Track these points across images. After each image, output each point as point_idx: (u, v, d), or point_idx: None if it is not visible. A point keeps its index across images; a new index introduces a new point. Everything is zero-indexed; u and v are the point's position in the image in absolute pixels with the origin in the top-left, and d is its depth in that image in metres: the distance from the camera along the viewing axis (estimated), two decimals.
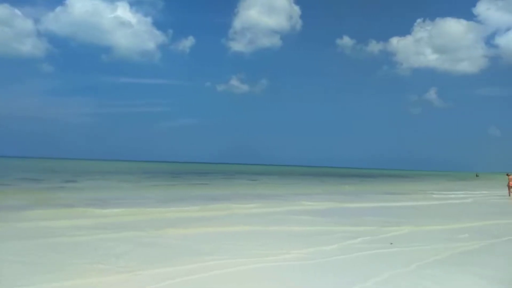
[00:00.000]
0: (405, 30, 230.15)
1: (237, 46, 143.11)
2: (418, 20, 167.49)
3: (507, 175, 21.88)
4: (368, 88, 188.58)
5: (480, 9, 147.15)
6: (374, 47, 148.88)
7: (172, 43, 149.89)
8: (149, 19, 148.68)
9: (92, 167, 57.67)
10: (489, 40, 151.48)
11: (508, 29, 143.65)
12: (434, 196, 21.95)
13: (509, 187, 21.42)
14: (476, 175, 76.86)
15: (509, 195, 20.89)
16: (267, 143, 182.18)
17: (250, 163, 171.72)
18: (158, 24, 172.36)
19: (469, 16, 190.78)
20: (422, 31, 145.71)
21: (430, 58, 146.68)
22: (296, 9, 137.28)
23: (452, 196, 22.29)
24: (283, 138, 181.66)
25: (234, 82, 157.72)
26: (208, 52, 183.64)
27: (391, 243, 6.87)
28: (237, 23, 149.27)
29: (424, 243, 7.05)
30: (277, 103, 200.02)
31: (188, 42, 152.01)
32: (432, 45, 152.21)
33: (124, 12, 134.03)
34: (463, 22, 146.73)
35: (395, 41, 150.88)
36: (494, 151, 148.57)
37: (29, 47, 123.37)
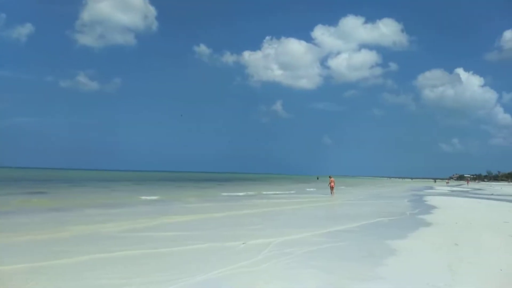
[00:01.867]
0: (255, 45, 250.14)
1: (85, 39, 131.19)
2: (267, 37, 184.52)
3: (330, 177, 27.02)
4: (224, 96, 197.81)
5: (317, 33, 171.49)
6: (229, 58, 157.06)
7: (5, 29, 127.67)
8: None
9: None
10: (323, 62, 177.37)
11: (338, 53, 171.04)
12: (264, 193, 24.80)
13: (331, 187, 26.25)
14: (317, 178, 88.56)
15: (331, 194, 25.65)
16: (120, 145, 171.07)
17: (100, 169, 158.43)
18: None
19: (308, 38, 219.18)
20: (270, 48, 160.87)
21: (276, 73, 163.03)
22: (152, 10, 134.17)
23: (273, 195, 25.64)
24: (138, 141, 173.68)
25: (82, 78, 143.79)
26: (49, 43, 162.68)
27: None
28: (85, 15, 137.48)
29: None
30: (131, 103, 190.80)
31: (24, 30, 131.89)
32: (278, 62, 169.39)
33: None
34: (303, 43, 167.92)
35: (247, 55, 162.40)
36: (329, 157, 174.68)
37: None
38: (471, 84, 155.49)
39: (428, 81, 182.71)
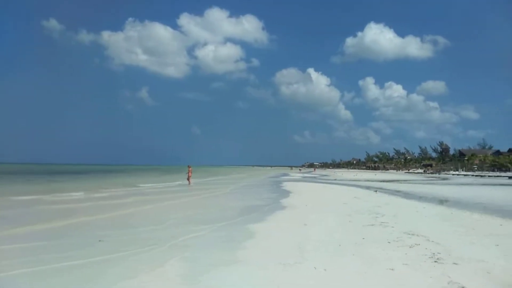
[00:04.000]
0: (116, 25, 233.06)
1: None
2: (130, 19, 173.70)
3: (188, 167, 27.33)
4: (80, 79, 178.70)
5: (183, 22, 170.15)
6: (85, 37, 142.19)
7: None
8: None
9: None
10: (190, 51, 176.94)
11: (205, 44, 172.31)
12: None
13: (188, 176, 26.64)
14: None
15: (189, 184, 26.00)
16: None
17: None
18: None
19: (174, 25, 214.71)
20: (133, 30, 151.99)
21: (141, 58, 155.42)
22: None
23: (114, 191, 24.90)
24: None
25: None
26: None
27: None
28: None
29: None
30: None
31: None
32: (142, 46, 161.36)
33: None
34: (170, 30, 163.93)
35: (106, 35, 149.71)
36: (198, 147, 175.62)
37: None
38: (319, 83, 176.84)
39: (285, 78, 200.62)
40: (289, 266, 5.15)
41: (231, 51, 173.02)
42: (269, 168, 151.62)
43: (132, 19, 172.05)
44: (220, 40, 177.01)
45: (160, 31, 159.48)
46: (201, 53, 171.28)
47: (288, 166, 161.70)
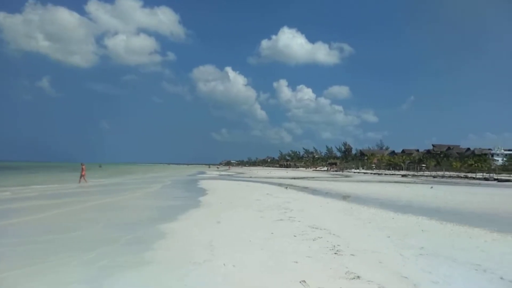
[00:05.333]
0: (13, 7, 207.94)
1: None
2: (30, 1, 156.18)
3: (82, 164, 25.75)
4: None
5: (92, 8, 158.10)
6: None
7: None
8: None
9: None
10: (99, 40, 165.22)
11: (116, 33, 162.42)
12: None
13: (81, 175, 25.02)
14: (100, 166, 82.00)
15: (81, 181, 24.41)
16: None
17: None
18: None
19: (81, 11, 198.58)
20: (33, 13, 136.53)
21: (41, 44, 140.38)
22: None
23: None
24: None
25: None
26: None
27: None
28: None
29: None
30: None
31: None
32: (44, 31, 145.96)
33: None
34: (76, 15, 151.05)
35: (1, 17, 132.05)
36: (108, 143, 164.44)
37: None
38: (237, 82, 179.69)
39: (202, 75, 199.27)
40: (198, 265, 5.12)
41: (145, 42, 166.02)
42: (185, 166, 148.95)
43: (33, 1, 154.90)
44: (132, 30, 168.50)
45: (65, 16, 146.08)
46: (111, 42, 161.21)
47: (206, 164, 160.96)
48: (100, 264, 5.23)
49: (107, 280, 4.53)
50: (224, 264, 5.11)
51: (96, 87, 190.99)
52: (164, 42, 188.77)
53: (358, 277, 4.63)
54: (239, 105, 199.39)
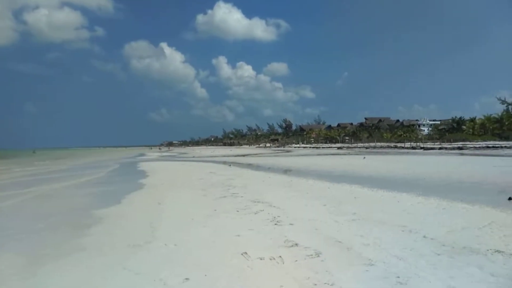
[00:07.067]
0: None
1: None
2: None
3: None
4: None
5: None
6: None
7: None
8: None
9: None
10: (17, 15, 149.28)
11: (36, 7, 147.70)
12: None
13: None
14: (33, 152, 76.88)
15: None
16: None
17: None
18: None
19: None
20: None
21: None
22: None
23: None
24: None
25: None
26: None
27: None
28: None
29: None
30: None
31: None
32: None
33: None
34: None
35: None
36: (35, 127, 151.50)
37: None
38: (174, 59, 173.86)
39: (135, 52, 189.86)
40: (138, 247, 5.03)
41: (70, 17, 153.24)
42: (123, 148, 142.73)
43: None
44: (54, 4, 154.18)
45: None
46: (31, 17, 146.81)
47: (146, 146, 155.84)
48: (32, 253, 4.92)
49: (41, 269, 4.29)
50: (165, 244, 5.07)
51: (18, 67, 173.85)
52: (91, 16, 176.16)
53: (296, 244, 4.86)
54: (178, 83, 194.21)
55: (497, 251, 4.35)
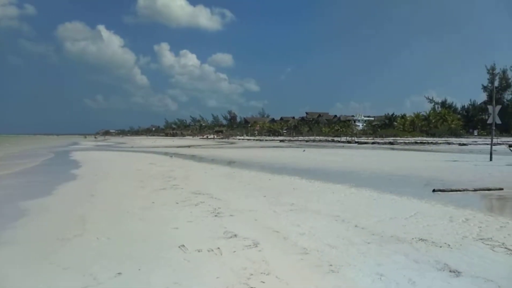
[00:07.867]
0: None
1: None
2: None
3: None
4: None
5: None
6: None
7: None
8: None
9: None
10: None
11: None
12: None
13: None
14: None
15: None
16: None
17: None
18: None
19: None
20: None
21: None
22: None
23: None
24: None
25: None
26: None
27: None
28: None
29: None
30: None
31: None
32: None
33: None
34: None
35: None
36: None
37: None
38: (112, 43, 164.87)
39: (70, 33, 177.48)
40: (67, 241, 4.71)
41: None
42: (55, 136, 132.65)
43: None
44: None
45: None
46: None
47: (80, 134, 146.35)
48: None
49: None
50: (97, 238, 4.81)
51: None
52: None
53: (235, 235, 4.87)
54: (116, 68, 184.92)
55: (421, 239, 4.72)
